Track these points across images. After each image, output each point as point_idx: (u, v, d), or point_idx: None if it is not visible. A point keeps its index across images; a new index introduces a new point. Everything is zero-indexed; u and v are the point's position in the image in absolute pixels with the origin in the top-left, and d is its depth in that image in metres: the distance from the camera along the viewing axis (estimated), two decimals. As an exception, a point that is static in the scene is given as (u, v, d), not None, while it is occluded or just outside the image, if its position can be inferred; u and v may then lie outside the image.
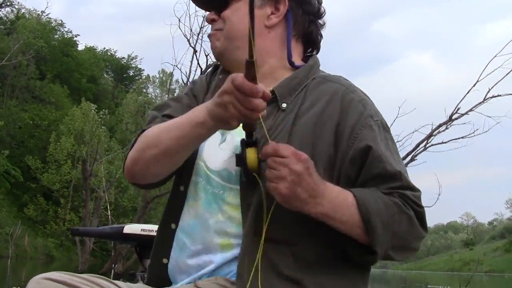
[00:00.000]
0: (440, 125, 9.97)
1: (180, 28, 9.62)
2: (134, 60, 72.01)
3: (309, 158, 1.57)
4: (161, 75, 64.14)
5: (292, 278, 1.64)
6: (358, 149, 1.68)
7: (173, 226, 1.81)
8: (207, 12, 1.99)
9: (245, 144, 1.60)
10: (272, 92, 1.78)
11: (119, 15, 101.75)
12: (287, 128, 1.73)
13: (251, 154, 1.58)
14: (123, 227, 2.72)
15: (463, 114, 10.08)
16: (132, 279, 2.36)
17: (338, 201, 1.60)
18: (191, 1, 2.02)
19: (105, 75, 68.97)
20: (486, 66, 9.59)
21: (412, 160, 10.21)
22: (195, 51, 9.89)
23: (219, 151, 1.79)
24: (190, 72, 9.96)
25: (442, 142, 10.20)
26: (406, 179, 1.69)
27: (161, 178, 1.85)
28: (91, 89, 59.38)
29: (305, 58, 1.97)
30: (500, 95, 9.86)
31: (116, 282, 1.71)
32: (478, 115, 10.00)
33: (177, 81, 48.36)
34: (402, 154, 8.77)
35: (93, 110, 46.60)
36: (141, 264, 2.64)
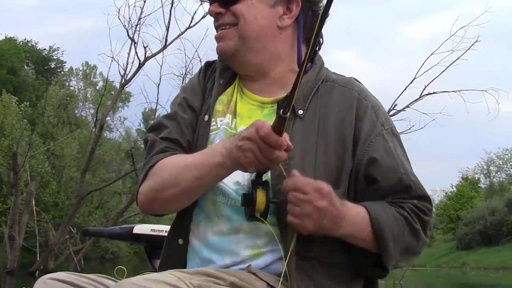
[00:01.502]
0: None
1: (119, 19, 9.41)
2: (56, 52, 70.03)
3: (331, 189, 1.58)
4: (85, 68, 62.95)
5: None
6: (372, 158, 1.71)
7: (180, 241, 1.81)
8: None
9: (256, 184, 1.57)
10: (286, 97, 1.75)
11: (41, 5, 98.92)
12: (313, 139, 1.72)
13: (260, 197, 1.56)
14: (133, 227, 2.65)
15: (399, 111, 10.32)
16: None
17: (356, 220, 1.63)
18: None
19: (25, 66, 66.81)
20: (422, 64, 9.90)
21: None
22: (133, 42, 9.62)
23: None
24: (127, 64, 9.74)
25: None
26: (418, 188, 1.73)
27: (180, 209, 1.84)
28: (11, 81, 57.45)
29: None
30: (435, 92, 10.15)
31: None
32: (414, 112, 10.24)
33: (101, 73, 47.51)
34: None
35: (13, 103, 45.24)
36: (150, 265, 2.60)
